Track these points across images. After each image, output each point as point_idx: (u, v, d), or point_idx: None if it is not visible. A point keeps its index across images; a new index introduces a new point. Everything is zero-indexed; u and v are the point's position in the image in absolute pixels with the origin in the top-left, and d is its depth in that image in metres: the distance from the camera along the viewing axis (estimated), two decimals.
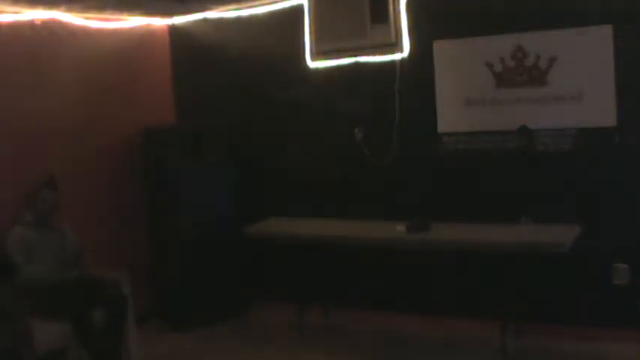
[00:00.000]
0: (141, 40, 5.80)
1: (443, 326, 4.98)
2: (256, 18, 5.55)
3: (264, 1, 5.45)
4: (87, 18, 5.30)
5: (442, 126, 4.94)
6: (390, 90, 5.05)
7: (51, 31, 5.06)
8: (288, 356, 4.88)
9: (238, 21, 5.64)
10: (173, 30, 6.02)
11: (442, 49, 4.89)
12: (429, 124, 4.96)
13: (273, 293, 5.67)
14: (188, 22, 5.91)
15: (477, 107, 4.81)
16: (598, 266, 4.51)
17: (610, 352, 4.41)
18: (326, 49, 5.24)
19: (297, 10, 5.34)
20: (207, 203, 5.49)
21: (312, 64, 5.33)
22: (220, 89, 5.86)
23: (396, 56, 5.01)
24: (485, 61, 4.73)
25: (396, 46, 4.99)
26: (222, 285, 5.55)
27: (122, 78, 5.62)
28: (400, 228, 4.74)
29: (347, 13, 5.08)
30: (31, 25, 4.93)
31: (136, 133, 5.63)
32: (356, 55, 5.15)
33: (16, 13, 4.81)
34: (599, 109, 4.42)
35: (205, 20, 5.81)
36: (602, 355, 4.42)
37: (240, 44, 5.68)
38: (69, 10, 5.03)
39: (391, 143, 5.11)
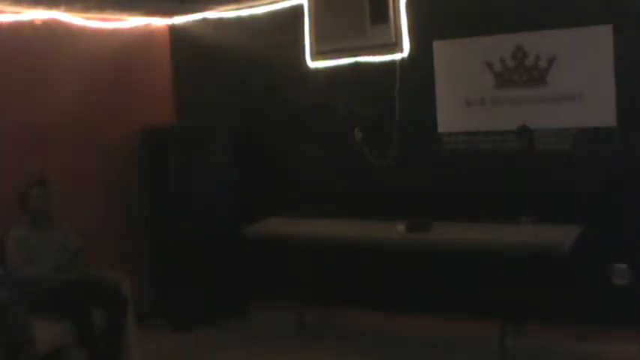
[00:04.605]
0: (141, 40, 5.79)
1: (443, 326, 4.98)
2: (256, 18, 5.55)
3: (264, 1, 5.45)
4: (87, 18, 5.30)
5: (442, 126, 4.94)
6: (389, 90, 5.05)
7: (51, 31, 5.06)
8: (289, 356, 4.87)
9: (238, 21, 5.64)
10: (173, 30, 6.02)
11: (442, 49, 4.89)
12: (429, 124, 4.96)
13: (273, 293, 5.67)
14: (188, 22, 5.91)
15: (477, 107, 4.80)
16: (598, 266, 4.51)
17: (610, 352, 4.41)
18: (326, 49, 5.24)
19: (297, 10, 5.34)
20: (207, 203, 5.49)
21: (312, 64, 5.32)
22: (220, 89, 5.86)
23: (396, 56, 5.01)
24: (485, 61, 4.73)
25: (396, 46, 4.99)
26: (222, 285, 5.55)
27: (122, 78, 5.62)
28: (400, 228, 4.74)
29: (347, 13, 5.08)
30: (31, 25, 4.92)
31: (136, 133, 5.63)
32: (356, 55, 5.14)
33: (16, 13, 4.81)
34: (599, 109, 4.41)
35: (205, 20, 5.81)
36: (602, 355, 4.42)
37: (240, 44, 5.67)
38: (69, 10, 5.03)
39: (391, 143, 5.11)
